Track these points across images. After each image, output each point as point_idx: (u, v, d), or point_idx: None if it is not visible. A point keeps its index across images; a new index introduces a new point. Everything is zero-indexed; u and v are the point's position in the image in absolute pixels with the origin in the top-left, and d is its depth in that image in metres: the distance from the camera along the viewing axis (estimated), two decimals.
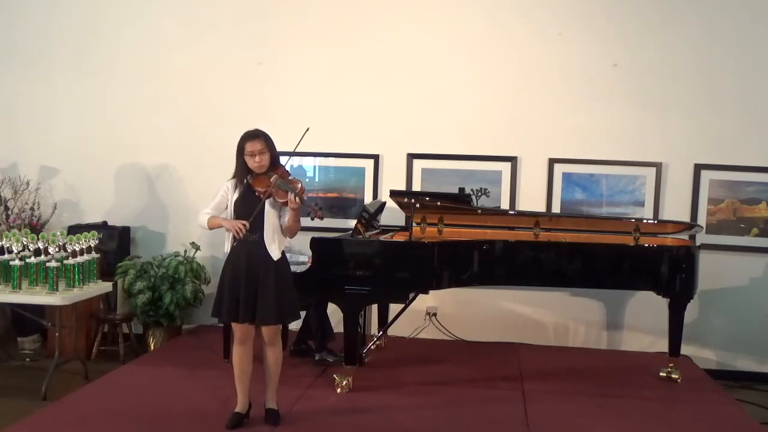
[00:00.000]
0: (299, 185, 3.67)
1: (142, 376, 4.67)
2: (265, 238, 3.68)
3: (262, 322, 3.71)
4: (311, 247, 4.47)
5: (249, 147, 3.68)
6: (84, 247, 4.68)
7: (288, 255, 4.84)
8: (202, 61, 5.90)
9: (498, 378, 4.83)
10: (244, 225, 3.61)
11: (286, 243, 3.82)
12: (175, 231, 5.98)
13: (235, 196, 3.74)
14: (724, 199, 5.47)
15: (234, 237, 3.66)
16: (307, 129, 3.79)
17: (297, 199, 3.58)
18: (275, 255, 3.70)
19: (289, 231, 3.75)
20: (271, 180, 3.64)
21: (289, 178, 3.72)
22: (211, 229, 3.83)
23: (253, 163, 3.69)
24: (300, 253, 5.00)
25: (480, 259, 4.61)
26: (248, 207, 3.67)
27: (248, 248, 3.68)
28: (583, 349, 5.63)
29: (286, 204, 3.65)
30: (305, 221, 3.79)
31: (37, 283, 4.59)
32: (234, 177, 3.78)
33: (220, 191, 3.81)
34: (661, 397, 4.55)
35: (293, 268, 4.21)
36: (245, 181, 3.72)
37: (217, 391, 4.30)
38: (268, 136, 3.74)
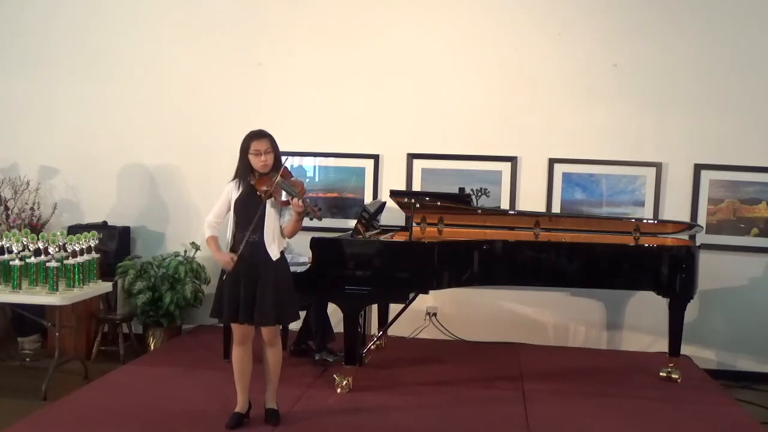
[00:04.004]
0: (300, 186, 3.68)
1: (142, 376, 4.67)
2: (264, 239, 3.69)
3: (260, 323, 3.71)
4: (311, 247, 4.47)
5: (255, 146, 3.68)
6: (84, 247, 4.68)
7: (288, 255, 4.86)
8: (202, 61, 5.90)
9: (498, 378, 4.82)
10: (233, 258, 3.64)
11: (285, 244, 3.83)
12: (175, 231, 5.98)
13: (237, 195, 3.74)
14: (724, 199, 5.47)
15: (231, 255, 3.67)
16: (286, 158, 3.79)
17: (300, 202, 3.59)
18: (274, 255, 3.70)
19: (290, 232, 3.76)
20: (273, 180, 3.65)
21: (291, 179, 3.72)
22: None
23: (258, 162, 3.69)
24: (300, 254, 5.00)
25: (480, 259, 4.61)
26: (249, 207, 3.67)
27: (248, 248, 3.68)
28: (583, 349, 5.63)
29: (285, 204, 3.66)
30: (305, 221, 3.79)
31: (37, 283, 4.59)
32: (235, 177, 3.79)
33: (222, 195, 3.80)
34: (661, 397, 4.55)
35: (293, 269, 4.21)
36: (248, 180, 3.73)
37: (217, 391, 4.30)
38: (272, 136, 3.75)
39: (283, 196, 3.64)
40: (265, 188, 3.65)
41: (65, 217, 6.07)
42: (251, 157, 3.70)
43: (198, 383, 4.52)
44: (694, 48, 5.43)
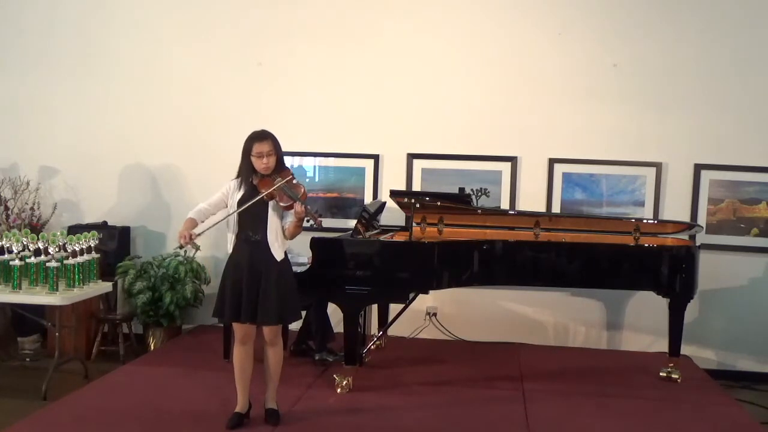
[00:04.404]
0: (302, 190, 3.67)
1: (142, 376, 4.67)
2: (268, 239, 3.69)
3: (263, 322, 3.71)
4: (311, 247, 4.47)
5: (257, 148, 3.67)
6: (84, 247, 4.68)
7: (288, 255, 4.87)
8: (202, 61, 5.90)
9: (498, 378, 4.82)
10: (190, 236, 3.60)
11: (288, 244, 3.83)
12: (176, 231, 5.85)
13: (239, 195, 3.73)
14: (724, 199, 5.47)
15: (184, 242, 3.63)
16: (291, 165, 3.76)
17: (301, 207, 3.59)
18: (278, 256, 3.71)
19: (290, 235, 3.76)
20: (275, 183, 3.64)
21: (294, 182, 3.71)
22: None
23: (260, 164, 3.68)
24: (299, 253, 5.01)
25: (480, 259, 4.60)
26: (251, 207, 3.66)
27: (251, 249, 3.68)
28: (583, 349, 5.63)
29: (288, 208, 3.66)
30: (305, 224, 3.79)
31: (37, 283, 4.59)
32: (238, 176, 3.78)
33: (222, 188, 3.80)
34: (661, 397, 4.55)
35: (293, 269, 4.21)
36: (250, 181, 3.72)
37: (217, 391, 4.30)
38: (275, 137, 3.73)
39: (285, 200, 3.64)
40: (266, 190, 3.64)
41: (65, 217, 6.08)
42: (253, 159, 3.69)
43: (198, 383, 4.52)
44: (694, 48, 5.43)
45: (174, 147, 5.95)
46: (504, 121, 5.62)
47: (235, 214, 3.71)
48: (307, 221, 3.67)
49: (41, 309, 5.02)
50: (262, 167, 3.68)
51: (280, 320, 3.77)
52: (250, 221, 3.68)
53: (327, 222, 5.66)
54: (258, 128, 3.78)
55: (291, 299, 3.78)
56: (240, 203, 3.71)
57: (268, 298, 3.66)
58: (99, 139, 6.03)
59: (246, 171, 3.74)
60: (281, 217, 3.74)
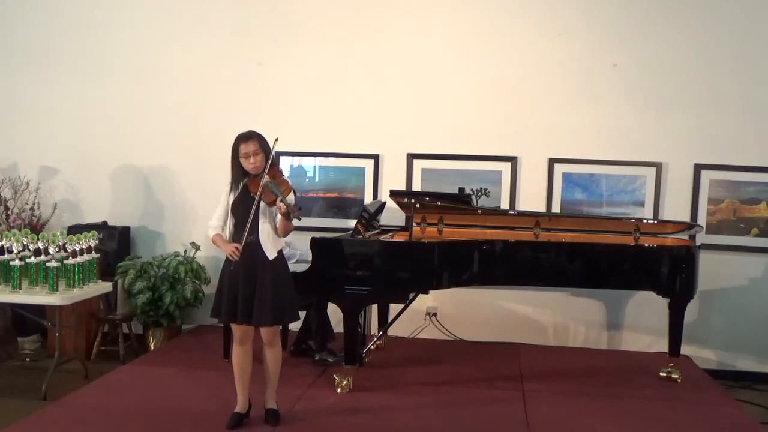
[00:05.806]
0: (285, 186, 3.66)
1: (142, 376, 4.67)
2: (260, 239, 3.69)
3: (259, 324, 3.71)
4: (311, 247, 4.47)
5: (243, 149, 3.68)
6: (84, 247, 4.68)
7: (298, 253, 4.89)
8: (202, 62, 5.90)
9: (498, 378, 4.83)
10: (237, 248, 3.63)
11: (282, 243, 3.83)
12: (175, 231, 5.98)
13: (232, 197, 3.75)
14: (724, 199, 5.47)
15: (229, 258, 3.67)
16: (276, 139, 3.75)
17: (283, 204, 3.58)
18: (271, 255, 3.70)
19: (282, 231, 3.76)
20: (261, 182, 3.65)
21: (281, 179, 3.72)
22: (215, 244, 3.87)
23: (248, 164, 3.69)
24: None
25: (480, 259, 4.60)
26: (245, 208, 3.67)
27: (246, 249, 3.68)
28: (583, 349, 5.63)
29: (271, 205, 3.66)
30: (303, 221, 3.78)
31: (37, 283, 4.59)
32: (231, 180, 3.79)
33: (221, 198, 3.81)
34: (661, 397, 4.55)
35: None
36: (242, 183, 3.72)
37: (217, 391, 4.30)
38: (262, 136, 3.74)
39: (269, 197, 3.64)
40: (255, 190, 3.65)
41: (65, 217, 6.07)
42: (242, 160, 3.70)
43: (198, 383, 4.52)
44: (694, 48, 5.43)
45: (174, 147, 5.95)
46: (504, 121, 5.62)
47: (230, 216, 3.73)
48: (290, 217, 3.66)
49: (41, 309, 5.02)
50: (251, 167, 3.69)
51: (275, 321, 3.77)
52: (244, 223, 3.67)
53: (327, 222, 5.70)
54: (259, 128, 3.78)
55: (287, 300, 3.78)
56: (234, 206, 3.73)
57: (264, 299, 3.66)
58: (99, 139, 6.02)
59: (236, 172, 3.75)
60: (273, 216, 3.73)
